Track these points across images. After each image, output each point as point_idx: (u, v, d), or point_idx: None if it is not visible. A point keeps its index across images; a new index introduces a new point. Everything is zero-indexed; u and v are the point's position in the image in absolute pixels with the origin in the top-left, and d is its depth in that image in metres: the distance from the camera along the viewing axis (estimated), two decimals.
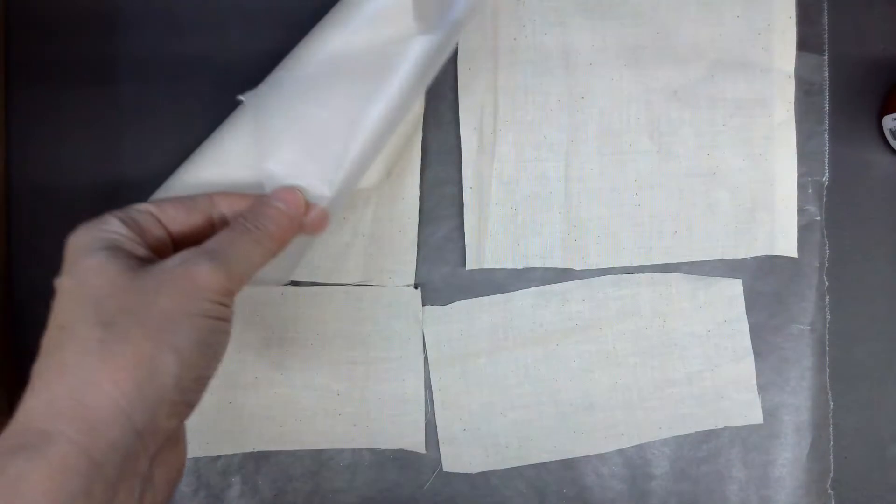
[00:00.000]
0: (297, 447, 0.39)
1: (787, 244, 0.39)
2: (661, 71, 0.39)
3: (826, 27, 0.40)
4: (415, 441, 0.39)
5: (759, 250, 0.39)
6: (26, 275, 0.39)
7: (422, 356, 0.39)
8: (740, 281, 0.39)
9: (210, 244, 0.27)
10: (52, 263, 0.39)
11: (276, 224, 0.29)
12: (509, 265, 0.39)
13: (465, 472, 0.39)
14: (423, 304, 0.39)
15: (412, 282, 0.39)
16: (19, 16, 0.40)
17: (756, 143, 0.39)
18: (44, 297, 0.39)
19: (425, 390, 0.39)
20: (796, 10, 0.39)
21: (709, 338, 0.39)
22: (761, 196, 0.39)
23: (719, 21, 0.39)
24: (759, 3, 0.39)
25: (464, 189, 0.39)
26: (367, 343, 0.39)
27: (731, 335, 0.39)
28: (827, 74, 0.40)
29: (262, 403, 0.39)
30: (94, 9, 0.39)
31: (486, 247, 0.39)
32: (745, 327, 0.39)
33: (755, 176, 0.39)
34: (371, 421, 0.39)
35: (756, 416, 0.39)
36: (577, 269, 0.39)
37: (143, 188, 0.38)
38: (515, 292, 0.39)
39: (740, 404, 0.39)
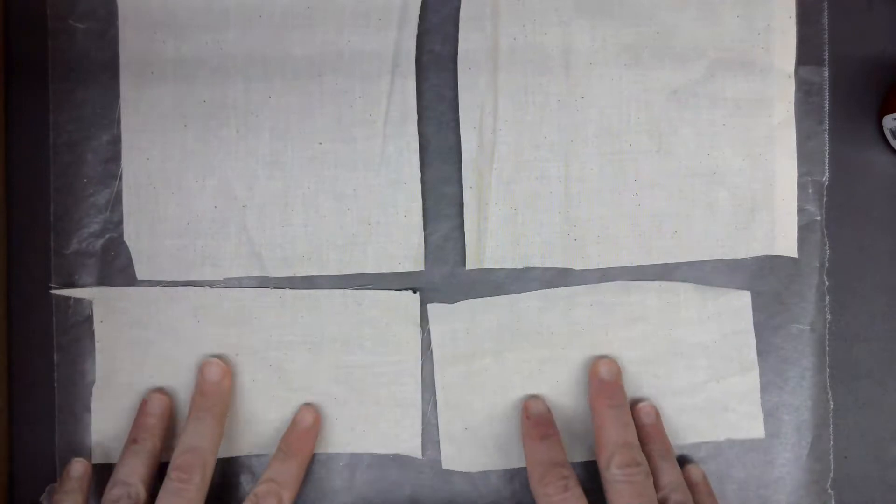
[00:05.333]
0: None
1: (786, 244, 0.39)
2: (661, 71, 0.39)
3: (826, 27, 0.40)
4: (411, 446, 0.39)
5: (759, 250, 0.39)
6: (26, 274, 0.39)
7: (420, 361, 0.39)
8: (749, 293, 0.39)
9: None
10: (52, 264, 0.39)
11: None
12: (509, 265, 0.39)
13: (464, 470, 0.39)
14: (427, 303, 0.39)
15: (422, 267, 0.39)
16: (19, 16, 0.40)
17: (756, 143, 0.39)
18: (43, 297, 0.39)
19: (423, 393, 0.39)
20: (796, 10, 0.39)
21: (715, 348, 0.39)
22: (761, 196, 0.39)
23: (719, 21, 0.39)
24: (759, 3, 0.39)
25: (464, 188, 0.39)
26: (365, 347, 0.39)
27: (737, 347, 0.39)
28: (827, 74, 0.40)
29: (259, 407, 0.39)
30: (95, 8, 0.39)
31: (486, 246, 0.39)
32: (751, 340, 0.39)
33: (755, 176, 0.39)
34: (368, 425, 0.39)
35: (758, 430, 0.39)
36: (576, 269, 0.39)
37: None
38: (522, 294, 0.39)
39: (743, 417, 0.39)
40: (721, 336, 0.39)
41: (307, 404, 0.39)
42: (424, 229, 0.39)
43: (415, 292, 0.39)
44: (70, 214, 0.39)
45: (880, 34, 0.40)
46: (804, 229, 0.39)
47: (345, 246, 0.39)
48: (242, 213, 0.39)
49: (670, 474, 0.36)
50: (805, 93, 0.40)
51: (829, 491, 0.40)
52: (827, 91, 0.40)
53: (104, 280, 0.39)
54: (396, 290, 0.39)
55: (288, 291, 0.39)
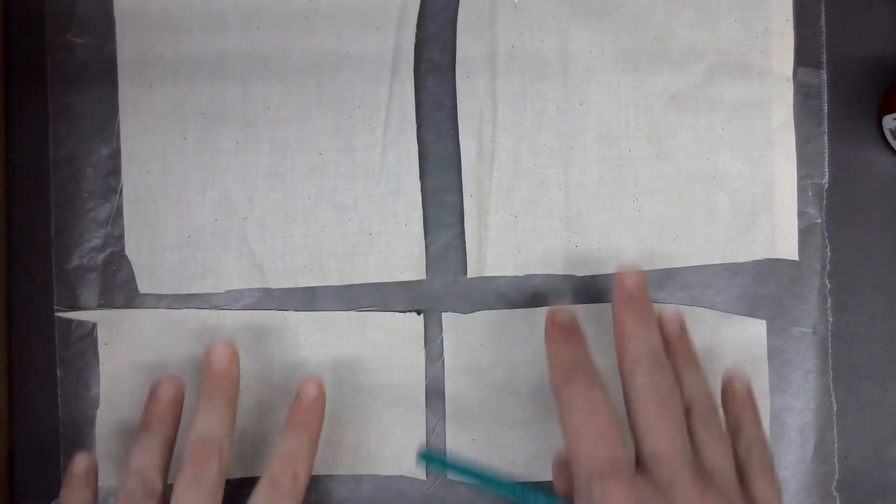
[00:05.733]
0: None
1: (787, 247, 0.39)
2: (659, 76, 0.39)
3: (824, 28, 0.40)
4: (415, 468, 0.39)
5: (760, 254, 0.39)
6: (28, 289, 0.39)
7: (424, 383, 0.39)
8: (764, 322, 0.39)
9: None
10: (54, 279, 0.39)
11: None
12: (510, 273, 0.39)
13: (469, 482, 0.39)
14: (429, 313, 0.39)
15: (424, 276, 0.39)
16: (18, 31, 0.40)
17: (755, 147, 0.39)
18: (45, 312, 0.39)
19: (427, 415, 0.39)
20: (794, 12, 0.39)
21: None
22: (761, 200, 0.39)
23: (717, 25, 0.39)
24: (756, 7, 0.39)
25: (464, 197, 0.39)
26: (368, 369, 0.39)
27: (750, 375, 0.39)
28: (826, 76, 0.40)
29: (262, 428, 0.39)
30: (93, 23, 0.39)
31: (487, 255, 0.39)
32: (764, 368, 0.39)
33: (755, 179, 0.39)
34: (371, 447, 0.39)
35: None
36: (577, 275, 0.39)
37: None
38: (539, 308, 0.39)
39: None
40: (734, 363, 0.39)
41: (309, 377, 0.36)
42: (425, 238, 0.39)
43: (419, 314, 0.39)
44: (71, 229, 0.39)
45: (880, 34, 0.40)
46: (805, 232, 0.39)
47: (345, 256, 0.39)
48: (243, 225, 0.39)
49: (695, 384, 0.33)
50: (804, 95, 0.39)
51: (834, 493, 0.40)
52: (825, 93, 0.40)
53: (106, 294, 0.39)
54: (400, 311, 0.39)
55: (291, 313, 0.39)
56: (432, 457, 0.33)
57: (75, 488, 0.34)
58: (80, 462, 0.35)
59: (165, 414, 0.35)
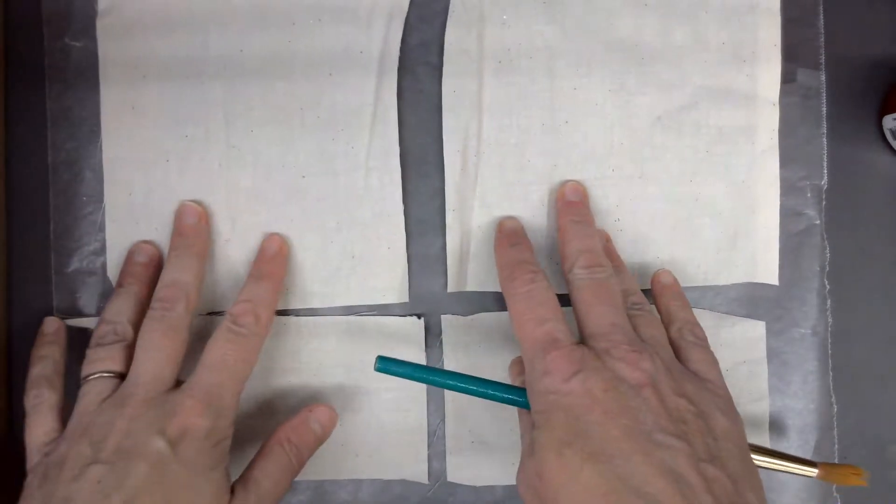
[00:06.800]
0: (299, 477, 0.39)
1: (767, 272, 0.39)
2: (645, 97, 0.38)
3: (822, 29, 0.39)
4: (416, 471, 0.39)
5: (741, 277, 0.39)
6: (25, 274, 0.39)
7: (424, 386, 0.39)
8: (763, 323, 0.39)
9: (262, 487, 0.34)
10: (54, 283, 0.39)
11: (311, 451, 0.36)
12: (490, 288, 0.39)
13: (469, 484, 0.39)
14: (443, 314, 0.39)
15: (406, 298, 0.39)
16: (19, 16, 0.39)
17: (739, 171, 0.39)
18: (41, 298, 0.39)
19: (428, 417, 0.39)
20: (792, 13, 0.39)
21: (726, 377, 0.38)
22: (743, 224, 0.39)
23: (705, 48, 0.38)
24: (744, 31, 0.38)
25: (446, 212, 0.39)
26: (369, 373, 0.39)
27: (748, 377, 0.39)
28: (824, 77, 0.39)
29: (264, 434, 0.39)
30: (90, 27, 0.39)
31: (468, 270, 0.39)
32: (763, 370, 0.39)
33: (737, 203, 0.39)
34: (374, 451, 0.39)
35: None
36: (558, 293, 0.39)
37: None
38: None
39: None
40: (733, 364, 0.39)
41: (273, 233, 0.38)
42: (422, 242, 0.39)
43: (419, 318, 0.39)
44: (70, 233, 0.39)
45: (879, 34, 0.40)
46: (803, 233, 0.39)
47: (328, 279, 0.39)
48: (225, 248, 0.39)
49: (626, 283, 0.36)
50: (803, 96, 0.39)
51: (835, 494, 0.40)
52: (824, 93, 0.39)
53: (105, 298, 0.39)
54: (400, 315, 0.39)
55: (291, 318, 0.39)
56: (389, 361, 0.33)
57: (45, 345, 0.37)
58: (50, 323, 0.38)
59: (140, 273, 0.37)
